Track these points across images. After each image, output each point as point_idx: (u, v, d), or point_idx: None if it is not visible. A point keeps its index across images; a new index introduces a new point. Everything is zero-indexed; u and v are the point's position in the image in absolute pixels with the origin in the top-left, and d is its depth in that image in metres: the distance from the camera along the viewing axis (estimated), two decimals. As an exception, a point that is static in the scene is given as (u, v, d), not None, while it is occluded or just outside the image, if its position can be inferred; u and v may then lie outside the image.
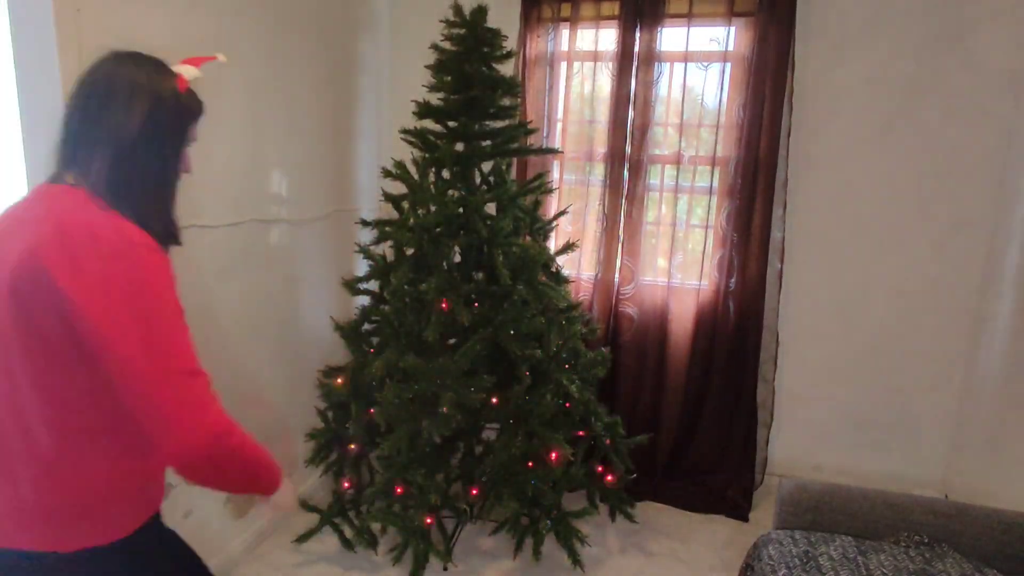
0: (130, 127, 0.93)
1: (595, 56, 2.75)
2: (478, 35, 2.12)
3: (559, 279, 2.37)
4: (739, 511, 2.69)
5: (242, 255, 2.14)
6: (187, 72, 1.04)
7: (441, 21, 2.16)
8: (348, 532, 2.24)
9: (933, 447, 2.71)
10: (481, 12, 2.12)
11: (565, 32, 2.77)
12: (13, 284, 0.85)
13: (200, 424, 0.88)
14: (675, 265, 2.79)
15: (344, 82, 2.73)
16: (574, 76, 2.81)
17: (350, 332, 2.26)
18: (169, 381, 0.86)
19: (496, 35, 2.16)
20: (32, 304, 0.85)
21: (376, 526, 2.23)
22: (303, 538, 2.20)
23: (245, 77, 2.07)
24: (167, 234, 1.03)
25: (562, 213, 2.51)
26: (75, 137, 0.95)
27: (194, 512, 2.03)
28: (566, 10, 2.73)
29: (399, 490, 2.02)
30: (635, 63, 2.66)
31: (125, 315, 0.85)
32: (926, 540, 1.73)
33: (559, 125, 2.86)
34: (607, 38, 2.72)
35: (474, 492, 2.09)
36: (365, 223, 2.27)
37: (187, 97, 1.01)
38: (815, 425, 2.85)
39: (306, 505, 2.21)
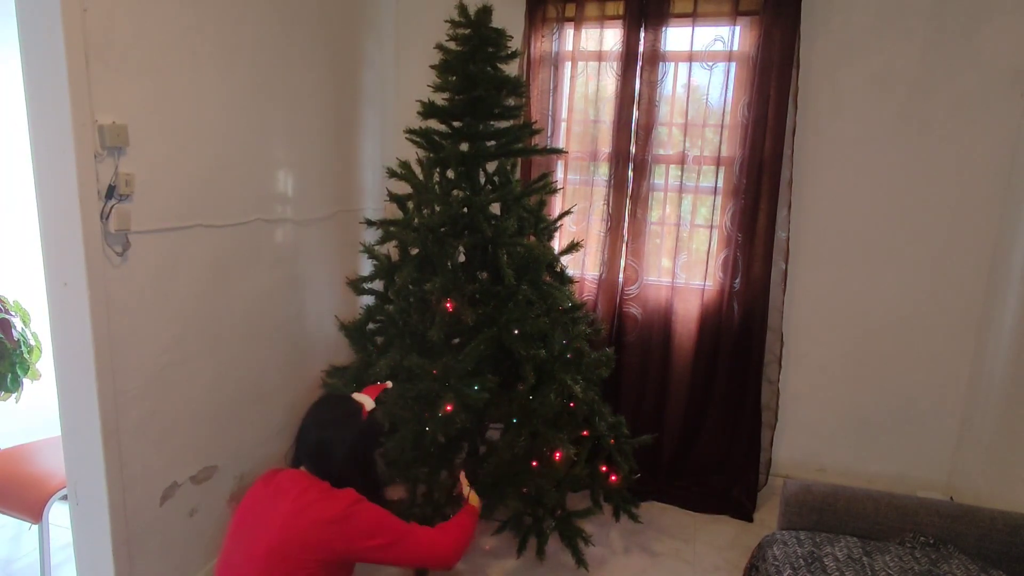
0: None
1: (599, 56, 2.75)
2: (483, 35, 2.12)
3: (564, 279, 2.37)
4: (743, 511, 2.68)
5: (248, 254, 2.14)
6: (367, 402, 1.60)
7: (446, 21, 2.16)
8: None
9: (938, 449, 2.70)
10: (486, 12, 2.12)
11: (570, 32, 2.77)
12: (296, 538, 1.37)
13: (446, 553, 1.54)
14: (679, 265, 2.79)
15: (349, 82, 2.73)
16: (578, 76, 2.81)
17: (355, 331, 2.26)
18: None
19: (501, 35, 2.16)
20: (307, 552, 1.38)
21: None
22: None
23: (250, 77, 2.07)
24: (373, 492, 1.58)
25: (567, 213, 2.51)
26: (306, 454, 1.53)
27: (199, 510, 2.03)
28: (570, 10, 2.73)
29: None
30: (639, 63, 2.66)
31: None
32: (932, 541, 1.72)
33: (563, 125, 2.86)
34: (611, 38, 2.72)
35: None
36: (370, 223, 2.27)
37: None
38: (819, 426, 2.85)
39: None
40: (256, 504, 1.48)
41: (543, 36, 2.78)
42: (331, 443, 1.52)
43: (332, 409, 1.58)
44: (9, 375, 2.38)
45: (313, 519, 1.39)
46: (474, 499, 1.77)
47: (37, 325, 2.49)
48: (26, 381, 2.46)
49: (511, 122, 2.29)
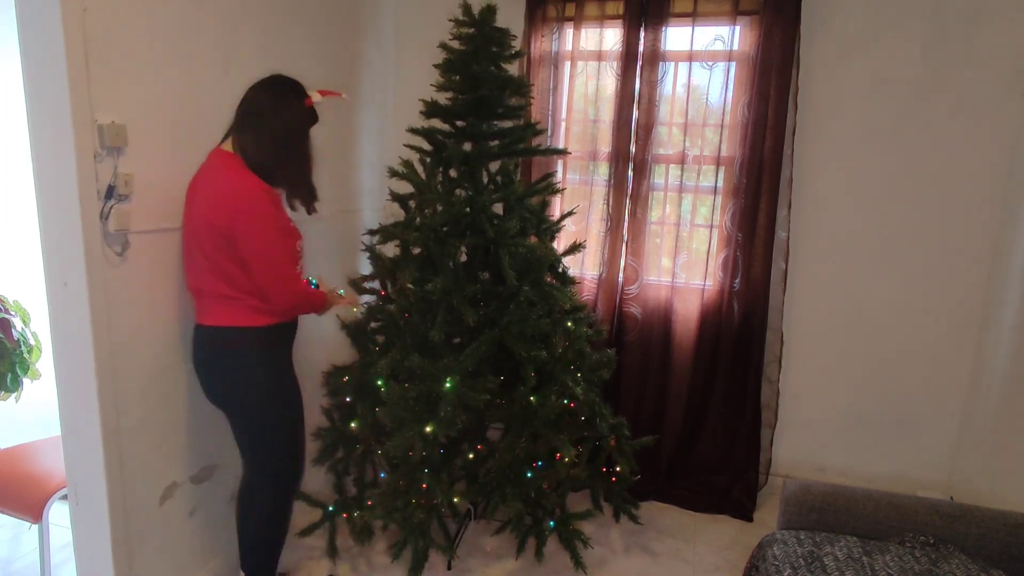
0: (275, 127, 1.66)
1: (599, 56, 2.75)
2: (487, 34, 2.11)
3: (566, 280, 2.36)
4: (743, 511, 2.68)
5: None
6: (314, 96, 1.71)
7: (450, 20, 2.15)
8: (347, 529, 2.24)
9: (938, 448, 2.70)
10: (490, 11, 2.11)
11: (569, 31, 2.77)
12: (206, 222, 1.62)
13: (284, 297, 1.71)
14: (679, 265, 2.79)
15: (348, 82, 2.73)
16: (578, 76, 2.81)
17: (356, 331, 2.26)
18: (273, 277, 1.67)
19: (505, 35, 2.15)
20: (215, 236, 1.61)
21: (376, 523, 2.22)
22: (306, 532, 2.21)
23: (250, 76, 2.07)
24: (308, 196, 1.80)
25: (569, 214, 2.49)
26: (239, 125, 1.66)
27: (198, 510, 2.03)
28: (570, 10, 2.73)
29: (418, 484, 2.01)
30: (639, 62, 2.66)
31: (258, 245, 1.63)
32: (931, 541, 1.72)
33: (563, 125, 2.86)
34: (611, 37, 2.72)
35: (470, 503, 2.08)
36: (372, 233, 2.28)
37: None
38: (819, 426, 2.85)
39: (309, 500, 2.22)
40: (197, 180, 1.70)
41: (543, 36, 2.78)
42: (264, 112, 1.63)
43: (277, 84, 1.68)
44: (9, 375, 2.38)
45: (222, 196, 1.59)
46: (332, 296, 1.95)
47: (37, 325, 2.49)
48: (26, 381, 2.46)
49: (514, 122, 2.29)
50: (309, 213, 1.82)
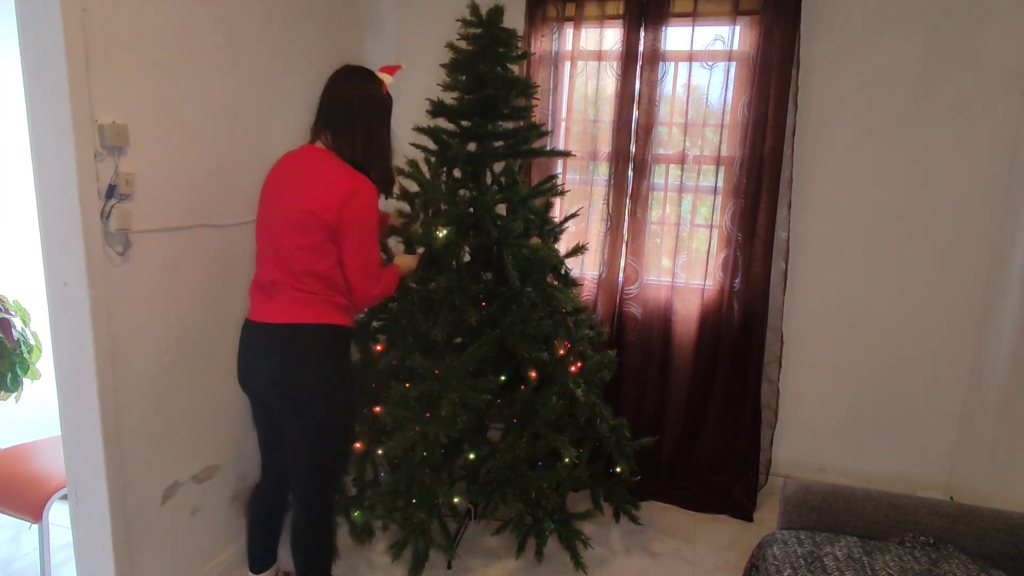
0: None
1: (599, 56, 2.75)
2: (494, 35, 2.11)
3: (568, 281, 2.36)
4: (743, 511, 2.68)
5: (249, 254, 2.13)
6: (386, 79, 1.71)
7: (458, 20, 2.15)
8: (346, 529, 2.24)
9: (938, 449, 2.71)
10: (497, 12, 2.10)
11: (569, 31, 2.77)
12: (308, 211, 1.60)
13: (367, 294, 1.71)
14: (679, 265, 2.79)
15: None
16: (578, 76, 2.81)
17: (357, 330, 2.26)
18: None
19: (511, 36, 2.15)
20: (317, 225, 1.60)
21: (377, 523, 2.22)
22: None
23: (251, 76, 2.07)
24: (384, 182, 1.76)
25: (573, 215, 2.48)
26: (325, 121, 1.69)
27: (200, 509, 2.03)
28: (570, 9, 2.73)
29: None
30: (639, 62, 2.66)
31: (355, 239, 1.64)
32: (931, 541, 1.73)
33: (563, 125, 2.86)
34: (611, 37, 2.72)
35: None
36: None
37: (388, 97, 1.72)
38: (819, 426, 2.85)
39: None
40: (291, 171, 1.67)
41: (543, 36, 2.78)
42: (354, 100, 1.66)
43: (358, 72, 1.71)
44: (9, 375, 2.37)
45: (333, 188, 1.60)
46: (402, 262, 1.94)
47: (37, 325, 2.49)
48: (26, 381, 2.46)
49: (516, 123, 2.28)
50: (387, 198, 1.84)
